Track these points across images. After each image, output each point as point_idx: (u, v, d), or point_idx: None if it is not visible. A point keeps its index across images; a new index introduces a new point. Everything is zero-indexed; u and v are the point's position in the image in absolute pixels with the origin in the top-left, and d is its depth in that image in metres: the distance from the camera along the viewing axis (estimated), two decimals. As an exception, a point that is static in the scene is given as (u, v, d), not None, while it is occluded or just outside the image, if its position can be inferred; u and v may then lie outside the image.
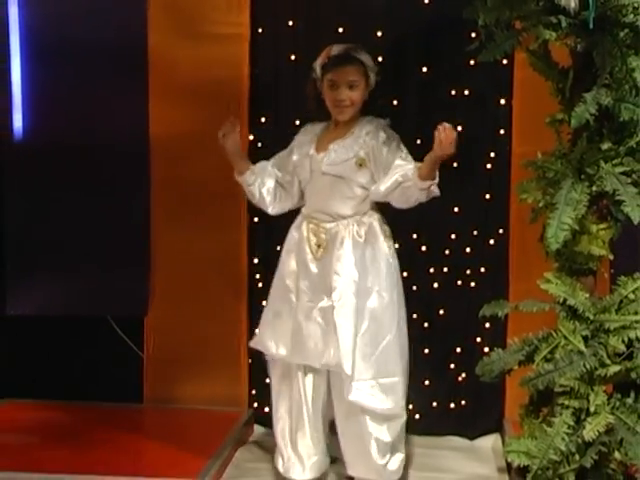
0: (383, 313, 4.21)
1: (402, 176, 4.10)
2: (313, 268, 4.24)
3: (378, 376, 4.18)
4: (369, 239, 4.23)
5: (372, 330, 4.18)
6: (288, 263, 4.33)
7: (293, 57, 5.01)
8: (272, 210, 4.43)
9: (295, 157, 4.34)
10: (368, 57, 4.26)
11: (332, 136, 4.28)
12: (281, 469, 4.36)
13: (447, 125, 3.97)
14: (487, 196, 5.01)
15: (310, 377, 4.30)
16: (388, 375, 4.20)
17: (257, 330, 4.52)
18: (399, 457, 4.30)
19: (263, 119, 5.08)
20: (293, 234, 4.35)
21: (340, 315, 4.15)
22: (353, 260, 4.18)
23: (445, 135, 3.94)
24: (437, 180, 4.10)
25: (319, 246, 4.24)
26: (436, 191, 4.14)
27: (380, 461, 4.22)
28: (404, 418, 4.29)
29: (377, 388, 4.17)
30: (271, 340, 4.33)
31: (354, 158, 4.20)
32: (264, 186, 4.37)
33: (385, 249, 4.26)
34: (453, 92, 4.97)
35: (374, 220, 4.27)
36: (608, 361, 3.67)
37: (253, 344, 4.48)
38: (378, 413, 4.19)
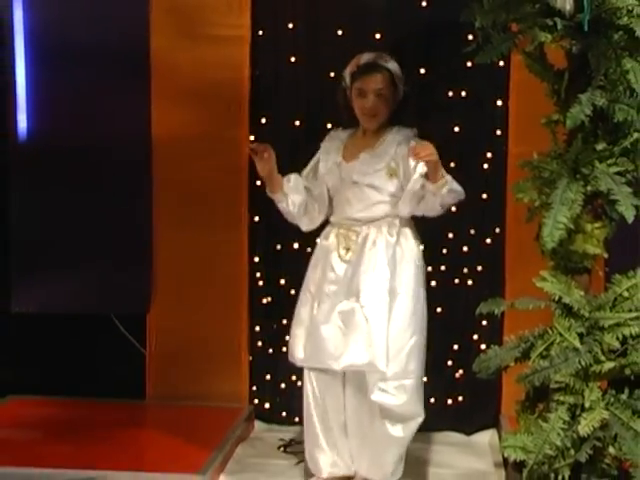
0: (411, 313, 4.20)
1: (415, 193, 4.11)
2: (340, 271, 4.20)
3: (403, 377, 4.15)
4: (400, 239, 4.22)
5: (400, 330, 4.16)
6: (314, 274, 4.29)
7: (293, 59, 5.02)
8: (304, 226, 4.36)
9: (322, 165, 4.30)
10: (396, 66, 4.23)
11: (361, 144, 4.26)
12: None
13: (413, 145, 4.00)
14: (484, 196, 5.01)
15: (325, 381, 4.25)
16: (411, 376, 4.19)
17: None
18: (404, 457, 4.29)
19: (263, 120, 5.08)
20: (323, 244, 4.31)
21: (373, 313, 4.12)
22: (386, 260, 4.16)
23: (416, 152, 3.94)
24: (447, 181, 4.05)
25: (347, 249, 4.21)
26: (457, 189, 4.11)
27: (392, 460, 4.21)
28: (422, 418, 4.25)
29: (401, 389, 4.15)
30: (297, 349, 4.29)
31: (385, 168, 4.18)
32: (295, 203, 4.27)
33: (415, 249, 4.26)
34: (450, 93, 4.98)
35: (405, 221, 4.25)
36: (603, 358, 3.67)
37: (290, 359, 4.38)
38: (398, 413, 4.16)
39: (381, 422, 4.16)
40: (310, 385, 4.24)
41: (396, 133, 4.26)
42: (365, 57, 4.24)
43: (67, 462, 4.26)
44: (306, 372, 4.25)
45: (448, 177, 4.05)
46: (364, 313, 4.14)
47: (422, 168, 4.06)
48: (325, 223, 4.36)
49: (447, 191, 4.05)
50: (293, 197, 4.26)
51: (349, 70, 4.26)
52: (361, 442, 4.24)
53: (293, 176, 4.30)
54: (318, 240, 4.36)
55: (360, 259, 4.17)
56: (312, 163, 4.37)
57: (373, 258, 4.17)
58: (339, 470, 4.30)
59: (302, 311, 4.28)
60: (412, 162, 4.10)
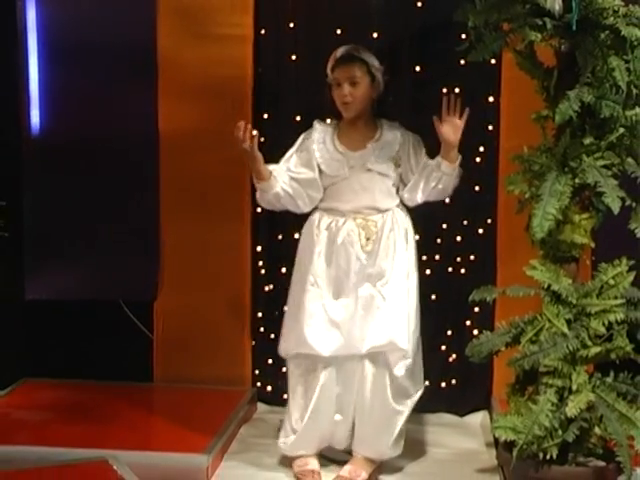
0: (415, 294, 4.29)
1: (434, 178, 4.19)
2: (364, 261, 4.21)
3: (414, 354, 4.26)
4: (407, 226, 4.30)
5: (413, 309, 4.27)
6: (322, 264, 4.24)
7: (294, 57, 5.01)
8: (305, 208, 4.31)
9: (319, 154, 4.28)
10: (372, 57, 4.26)
11: (359, 135, 4.28)
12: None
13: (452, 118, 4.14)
14: (476, 188, 5.01)
15: (333, 369, 4.23)
16: (418, 352, 4.31)
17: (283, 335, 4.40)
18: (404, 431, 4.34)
19: (266, 115, 5.07)
20: (323, 233, 4.26)
21: (394, 296, 4.19)
22: (404, 246, 4.25)
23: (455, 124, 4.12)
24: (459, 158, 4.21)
25: (368, 239, 4.22)
26: (459, 169, 4.24)
27: (396, 435, 4.24)
28: (422, 391, 4.36)
29: (413, 366, 4.26)
30: (313, 340, 4.20)
31: (393, 158, 4.24)
32: (287, 184, 4.23)
33: (413, 233, 4.34)
34: (445, 90, 4.97)
35: (404, 209, 4.33)
36: (589, 343, 3.68)
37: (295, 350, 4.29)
38: (406, 388, 4.24)
39: (390, 399, 4.19)
40: (326, 374, 4.20)
41: (389, 125, 4.31)
42: (341, 50, 4.28)
43: (78, 442, 4.27)
44: (321, 363, 4.20)
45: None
46: (385, 297, 4.19)
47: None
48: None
49: (458, 170, 4.19)
50: (284, 179, 4.23)
51: (329, 65, 4.29)
52: (367, 422, 4.23)
53: (274, 165, 4.29)
54: (310, 226, 4.32)
55: (379, 247, 4.21)
56: (294, 152, 4.33)
57: (392, 245, 4.22)
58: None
59: (312, 305, 4.21)
60: (412, 150, 4.25)
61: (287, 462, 4.36)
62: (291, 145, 4.46)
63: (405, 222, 4.31)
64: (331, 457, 4.40)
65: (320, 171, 4.28)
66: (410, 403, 4.29)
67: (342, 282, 4.23)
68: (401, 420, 4.25)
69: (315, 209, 4.35)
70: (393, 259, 4.23)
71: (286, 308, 4.47)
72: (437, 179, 4.19)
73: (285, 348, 4.35)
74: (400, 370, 4.19)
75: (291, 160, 4.32)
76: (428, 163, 4.22)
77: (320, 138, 4.32)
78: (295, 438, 4.28)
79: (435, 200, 4.34)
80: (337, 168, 4.25)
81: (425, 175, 4.21)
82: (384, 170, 4.24)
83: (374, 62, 4.26)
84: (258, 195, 4.30)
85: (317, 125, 4.37)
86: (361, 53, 4.25)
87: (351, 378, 4.23)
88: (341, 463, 4.31)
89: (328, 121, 4.42)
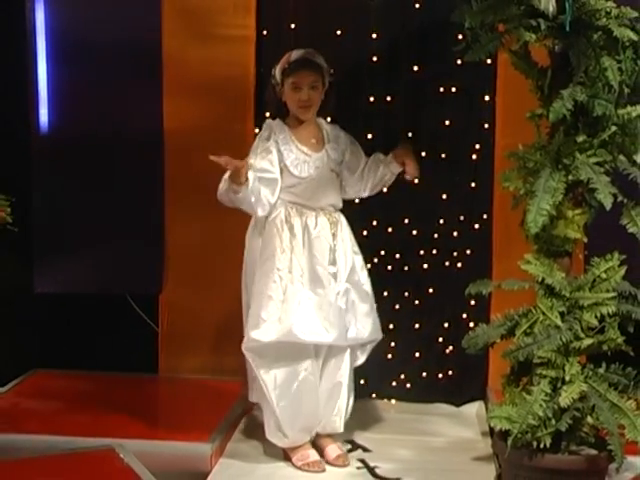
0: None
1: (381, 174, 4.38)
2: (331, 255, 4.24)
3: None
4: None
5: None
6: (299, 257, 4.22)
7: (295, 57, 5.01)
8: (261, 212, 4.22)
9: (286, 154, 4.23)
10: (323, 61, 4.29)
11: (308, 135, 4.30)
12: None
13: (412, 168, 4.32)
14: (472, 184, 5.01)
15: (314, 357, 4.26)
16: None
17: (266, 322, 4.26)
18: None
19: (267, 113, 5.07)
20: (297, 227, 4.24)
21: (367, 289, 4.34)
22: (353, 239, 4.36)
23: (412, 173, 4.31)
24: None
25: (334, 234, 4.27)
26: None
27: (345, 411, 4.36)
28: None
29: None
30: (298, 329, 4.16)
31: (341, 156, 4.33)
32: (254, 190, 4.12)
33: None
34: (442, 89, 4.97)
35: None
36: (582, 335, 3.68)
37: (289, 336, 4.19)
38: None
39: (347, 379, 4.31)
40: (309, 362, 4.21)
41: (324, 123, 4.39)
42: (295, 54, 4.29)
43: (86, 431, 4.28)
44: (304, 352, 4.20)
45: None
46: (356, 290, 4.26)
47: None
48: None
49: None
50: (253, 185, 4.12)
51: (280, 67, 4.28)
52: (344, 401, 4.31)
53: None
54: (277, 222, 4.24)
55: (342, 242, 4.28)
56: (261, 151, 4.23)
57: (347, 240, 4.31)
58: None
59: (299, 293, 4.16)
60: (351, 148, 4.39)
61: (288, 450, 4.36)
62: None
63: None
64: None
65: (281, 171, 4.23)
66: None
67: (319, 274, 4.21)
68: (351, 391, 4.37)
69: (281, 205, 4.26)
70: (354, 253, 4.33)
71: (245, 295, 4.37)
72: (383, 176, 4.38)
73: (259, 336, 4.16)
74: (363, 358, 4.40)
75: (257, 161, 4.21)
76: (380, 159, 4.37)
77: (284, 139, 4.27)
78: (286, 429, 4.23)
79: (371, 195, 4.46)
80: (306, 169, 4.25)
81: (373, 171, 4.37)
82: (338, 169, 4.32)
83: (325, 65, 4.29)
84: (225, 195, 4.18)
85: (274, 124, 4.31)
86: (317, 58, 4.28)
87: (328, 366, 4.29)
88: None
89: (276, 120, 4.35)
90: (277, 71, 4.28)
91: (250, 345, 4.20)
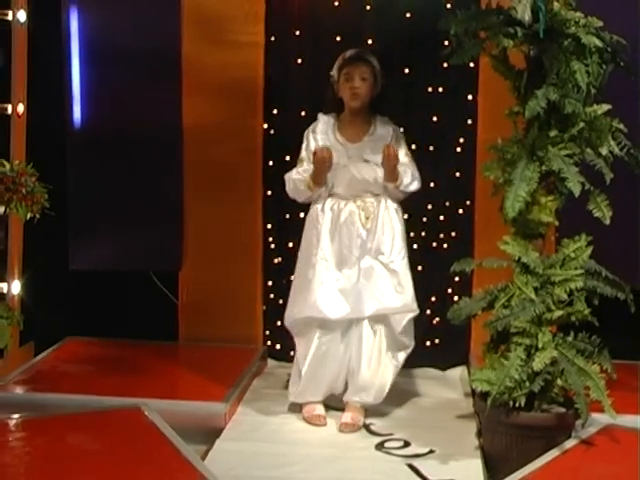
0: (407, 262, 4.37)
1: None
2: (364, 236, 4.25)
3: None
4: (396, 206, 4.34)
5: (410, 276, 4.36)
6: (330, 241, 4.26)
7: (300, 60, 5.01)
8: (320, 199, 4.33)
9: (322, 144, 4.26)
10: (376, 61, 4.30)
11: (355, 129, 4.30)
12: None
13: (392, 147, 4.17)
14: (457, 174, 5.02)
15: (338, 330, 4.26)
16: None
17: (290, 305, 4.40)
18: None
19: (275, 111, 5.08)
20: (327, 214, 4.28)
21: (399, 265, 4.27)
22: (397, 222, 4.31)
23: (389, 152, 4.13)
24: (400, 182, 4.24)
25: (367, 218, 4.26)
26: (409, 189, 4.29)
27: (387, 387, 4.33)
28: (411, 349, 4.43)
29: (410, 324, 4.35)
30: (322, 305, 4.22)
31: (383, 151, 4.22)
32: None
33: (402, 211, 4.40)
34: (430, 89, 4.97)
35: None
36: (553, 307, 3.69)
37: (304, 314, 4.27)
38: (402, 344, 4.34)
39: (389, 353, 4.27)
40: (332, 333, 4.23)
41: (381, 121, 4.33)
42: (349, 51, 4.33)
43: (114, 391, 4.30)
44: (328, 325, 4.22)
45: (405, 180, 4.25)
46: (386, 266, 4.24)
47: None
48: None
49: (403, 188, 4.27)
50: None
51: (337, 64, 4.32)
52: (365, 372, 4.23)
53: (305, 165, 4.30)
54: (320, 211, 4.31)
55: (377, 224, 4.25)
56: (305, 151, 4.33)
57: (388, 222, 4.27)
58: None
59: (321, 275, 4.23)
60: (398, 144, 4.29)
61: (294, 409, 4.38)
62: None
63: (394, 202, 4.34)
64: (330, 405, 4.40)
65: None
66: (403, 357, 4.33)
67: (345, 256, 4.26)
68: (394, 372, 4.30)
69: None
70: (389, 234, 4.27)
71: (293, 279, 4.46)
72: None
73: (293, 313, 4.33)
74: (399, 327, 4.26)
75: (306, 159, 4.31)
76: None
77: (323, 129, 4.32)
78: (303, 387, 4.28)
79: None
80: (337, 157, 4.23)
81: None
82: (377, 160, 4.24)
83: (378, 66, 4.30)
84: (296, 192, 4.32)
85: (321, 117, 4.38)
86: (367, 55, 4.30)
87: (352, 337, 4.26)
88: (338, 410, 4.32)
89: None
90: (335, 68, 4.32)
91: (288, 321, 4.37)
